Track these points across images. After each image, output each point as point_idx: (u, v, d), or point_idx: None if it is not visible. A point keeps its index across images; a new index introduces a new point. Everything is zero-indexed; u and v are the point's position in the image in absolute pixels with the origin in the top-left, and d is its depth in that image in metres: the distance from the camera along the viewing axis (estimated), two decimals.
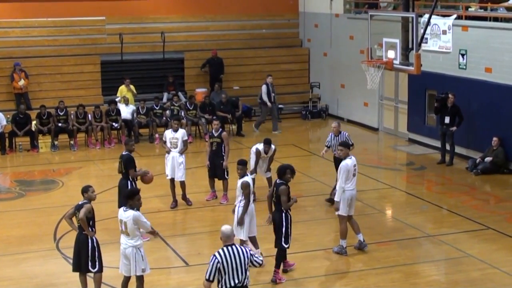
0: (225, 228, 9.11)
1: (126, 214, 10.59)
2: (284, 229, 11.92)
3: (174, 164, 15.65)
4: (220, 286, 8.91)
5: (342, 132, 15.55)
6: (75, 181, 18.43)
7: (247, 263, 8.94)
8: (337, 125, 15.58)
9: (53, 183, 18.31)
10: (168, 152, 15.77)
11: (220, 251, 8.92)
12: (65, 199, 16.55)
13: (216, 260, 8.83)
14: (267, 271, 12.23)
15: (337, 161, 14.92)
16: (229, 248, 8.92)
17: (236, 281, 8.87)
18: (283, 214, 11.94)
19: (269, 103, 23.62)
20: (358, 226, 13.22)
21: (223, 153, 15.79)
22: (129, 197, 10.80)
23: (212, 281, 8.90)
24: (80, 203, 11.10)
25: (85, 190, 11.18)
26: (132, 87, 23.71)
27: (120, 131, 22.51)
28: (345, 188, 12.87)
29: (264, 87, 23.68)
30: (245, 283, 8.96)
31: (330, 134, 15.63)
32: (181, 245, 13.81)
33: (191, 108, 22.99)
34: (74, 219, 11.22)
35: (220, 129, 15.98)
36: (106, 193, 16.62)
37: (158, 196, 16.61)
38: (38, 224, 15.10)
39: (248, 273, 8.95)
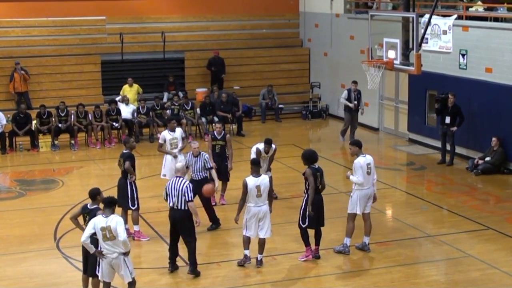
0: (179, 164, 12.81)
1: (107, 219, 10.27)
2: (301, 209, 12.63)
3: (174, 164, 15.67)
4: (168, 203, 12.19)
5: (201, 153, 14.68)
6: (75, 181, 18.45)
7: (182, 193, 11.93)
8: (196, 147, 14.70)
9: (53, 182, 18.31)
10: (175, 156, 15.75)
11: (171, 180, 12.29)
12: (65, 199, 16.56)
13: (166, 185, 12.22)
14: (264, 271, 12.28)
15: (196, 184, 14.06)
16: (176, 179, 12.18)
17: (174, 203, 12.05)
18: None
19: (351, 104, 21.85)
20: (370, 230, 13.18)
21: (227, 155, 15.84)
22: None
23: (166, 200, 12.24)
24: (89, 207, 10.90)
25: (98, 192, 11.00)
26: (135, 86, 23.80)
27: (121, 130, 22.53)
28: (359, 188, 12.86)
29: (344, 92, 22.18)
30: (180, 207, 12.00)
31: (189, 154, 14.78)
32: (181, 245, 13.79)
33: (188, 108, 23.00)
34: (80, 219, 11.10)
35: (223, 132, 16.01)
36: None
37: (158, 196, 16.59)
38: (38, 223, 15.10)
39: (183, 199, 11.91)
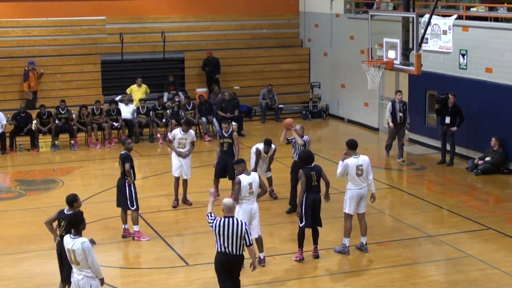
0: (227, 200, 10.18)
1: (74, 242, 9.39)
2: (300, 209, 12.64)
3: (183, 163, 15.71)
4: (216, 247, 10.04)
5: (305, 137, 15.02)
6: (75, 181, 18.44)
7: (242, 236, 9.90)
8: (299, 128, 15.02)
9: (53, 182, 18.31)
10: (181, 155, 15.73)
11: (219, 219, 9.99)
12: (65, 199, 16.52)
13: (213, 226, 9.99)
14: (269, 270, 12.29)
15: (298, 165, 14.43)
16: (227, 219, 9.96)
17: (230, 248, 9.93)
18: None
19: (391, 124, 19.70)
20: (365, 229, 13.18)
21: (235, 153, 15.90)
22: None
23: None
24: (66, 212, 10.71)
25: (75, 199, 10.82)
26: (144, 86, 23.84)
27: (121, 130, 22.53)
28: (350, 187, 12.89)
29: (388, 105, 19.89)
30: (239, 252, 9.98)
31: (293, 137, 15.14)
32: (181, 245, 13.82)
33: (189, 108, 23.00)
34: (54, 224, 10.89)
35: (231, 130, 16.10)
36: (106, 193, 16.63)
37: (158, 196, 16.63)
38: (38, 223, 15.02)
39: (243, 243, 9.93)
